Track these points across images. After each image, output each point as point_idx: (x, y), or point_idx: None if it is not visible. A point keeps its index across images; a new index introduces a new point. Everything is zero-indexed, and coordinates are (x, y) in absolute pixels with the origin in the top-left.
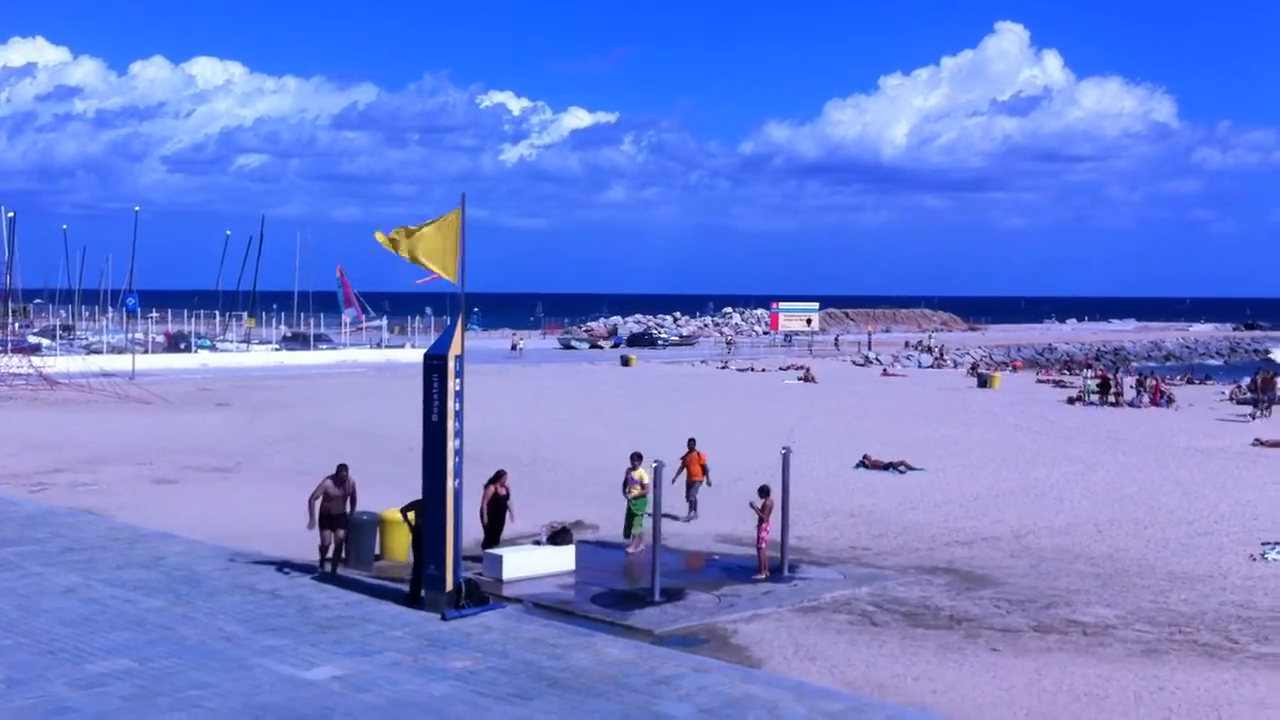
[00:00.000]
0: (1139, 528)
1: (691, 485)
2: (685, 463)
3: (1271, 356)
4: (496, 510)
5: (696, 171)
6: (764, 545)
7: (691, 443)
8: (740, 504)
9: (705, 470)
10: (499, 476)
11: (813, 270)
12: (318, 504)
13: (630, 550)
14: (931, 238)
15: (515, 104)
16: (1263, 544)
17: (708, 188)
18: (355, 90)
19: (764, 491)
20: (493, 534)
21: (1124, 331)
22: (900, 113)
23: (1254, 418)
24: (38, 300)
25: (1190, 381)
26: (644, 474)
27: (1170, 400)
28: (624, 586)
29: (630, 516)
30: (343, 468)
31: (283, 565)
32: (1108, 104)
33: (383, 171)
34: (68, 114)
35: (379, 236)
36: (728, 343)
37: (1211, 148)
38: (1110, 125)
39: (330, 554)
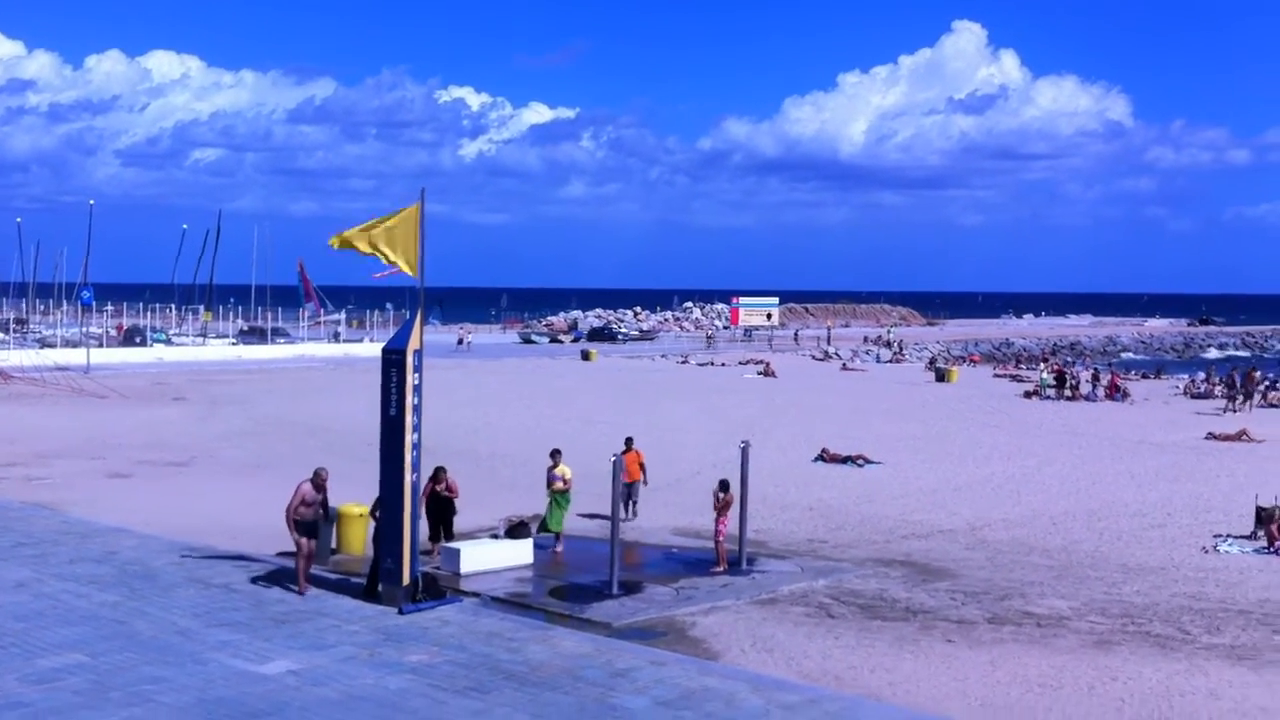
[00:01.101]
0: (1093, 520)
1: (630, 485)
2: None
3: (1207, 355)
4: (438, 508)
5: (656, 167)
6: (721, 538)
7: (629, 442)
8: (698, 497)
9: (643, 469)
10: (437, 474)
11: (772, 266)
12: (294, 513)
13: (556, 550)
14: (890, 234)
15: (474, 99)
16: (1214, 536)
17: (667, 184)
18: (313, 85)
19: (724, 486)
20: (435, 532)
21: (1080, 327)
22: (859, 110)
23: (1230, 410)
24: None
25: (1145, 376)
26: (566, 470)
27: (1125, 395)
28: (584, 580)
29: (550, 512)
30: (321, 471)
31: (237, 560)
32: (1063, 103)
33: (340, 166)
34: (20, 107)
35: (333, 241)
36: (708, 337)
37: (1165, 146)
38: (1065, 124)
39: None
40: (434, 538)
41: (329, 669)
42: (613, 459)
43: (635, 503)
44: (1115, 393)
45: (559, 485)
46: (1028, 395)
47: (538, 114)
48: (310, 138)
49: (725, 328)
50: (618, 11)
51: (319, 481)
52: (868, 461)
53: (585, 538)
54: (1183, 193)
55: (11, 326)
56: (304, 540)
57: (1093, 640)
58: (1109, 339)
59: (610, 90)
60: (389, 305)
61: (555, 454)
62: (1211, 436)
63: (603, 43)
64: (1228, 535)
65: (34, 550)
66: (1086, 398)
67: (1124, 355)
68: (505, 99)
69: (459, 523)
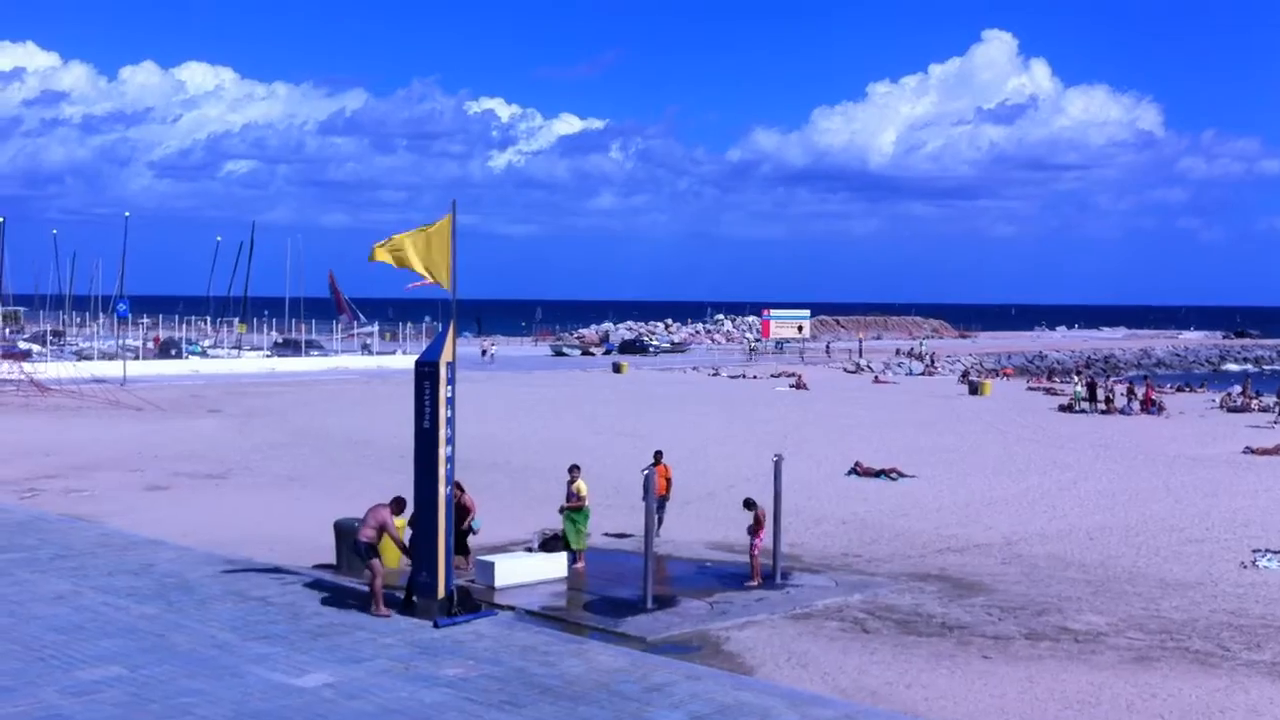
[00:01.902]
0: (1130, 535)
1: (659, 500)
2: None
3: (1226, 368)
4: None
5: (684, 178)
6: (757, 553)
7: (658, 455)
8: (731, 511)
9: (669, 484)
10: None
11: (803, 277)
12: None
13: (577, 565)
14: (920, 245)
15: (504, 110)
16: (1254, 551)
17: (696, 195)
18: (344, 97)
19: (749, 504)
20: (459, 545)
21: (1114, 339)
22: (888, 120)
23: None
24: (21, 307)
25: (1180, 389)
26: (581, 486)
27: (1160, 408)
28: (618, 594)
29: (572, 529)
30: (403, 500)
31: (274, 572)
32: (1094, 112)
33: (370, 178)
34: (55, 119)
35: (373, 255)
36: (750, 349)
37: (1197, 156)
38: (1096, 134)
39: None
40: (459, 550)
41: (365, 682)
42: (644, 472)
43: (662, 519)
44: (1151, 406)
45: (574, 502)
46: (1063, 409)
47: (567, 125)
48: (341, 149)
49: (757, 340)
50: (646, 22)
51: (400, 508)
52: (901, 475)
53: (619, 551)
54: (1215, 204)
55: (49, 339)
56: (378, 561)
57: (1131, 657)
58: (1143, 352)
59: (639, 101)
60: (427, 317)
61: (574, 469)
62: (1249, 451)
63: (631, 53)
64: (1267, 550)
65: (73, 562)
66: (1122, 411)
67: (1158, 370)
68: (535, 110)
69: (485, 537)
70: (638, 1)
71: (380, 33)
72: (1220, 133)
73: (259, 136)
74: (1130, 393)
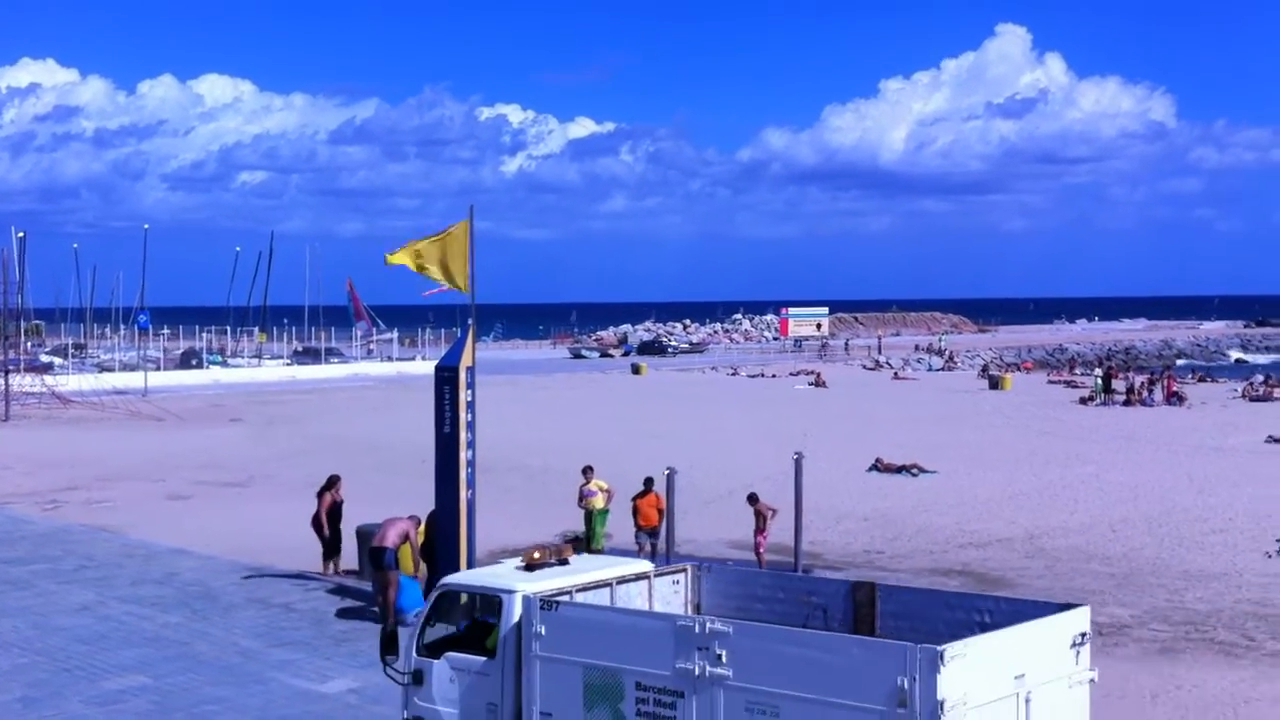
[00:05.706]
0: (1153, 527)
1: (650, 531)
2: (637, 505)
3: (1232, 355)
4: (335, 519)
5: (696, 180)
6: (762, 550)
7: (649, 482)
8: (751, 510)
9: (661, 515)
10: (333, 483)
11: (818, 275)
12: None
13: None
14: (935, 241)
15: (516, 116)
16: (1278, 540)
17: (708, 196)
18: (358, 106)
19: (752, 499)
20: (334, 546)
21: (1134, 330)
22: (901, 117)
23: None
24: (39, 320)
25: (1203, 379)
26: (600, 484)
27: (1182, 399)
28: None
29: (591, 530)
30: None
31: (296, 579)
32: (1106, 104)
33: (384, 185)
34: (68, 134)
35: (390, 258)
36: (823, 345)
37: (1209, 146)
38: (1108, 126)
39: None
40: (328, 556)
41: (388, 687)
42: (666, 472)
43: (655, 548)
44: (1172, 397)
45: (599, 501)
46: (1083, 401)
47: (581, 128)
48: (353, 157)
49: (775, 338)
50: (654, 24)
51: (417, 522)
52: (922, 471)
53: (633, 552)
54: (1230, 193)
55: (70, 352)
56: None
57: (1156, 648)
58: (1164, 343)
59: (648, 104)
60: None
61: (588, 470)
62: (1272, 440)
63: (640, 56)
64: None
65: (97, 573)
66: (1144, 402)
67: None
68: (548, 115)
69: (508, 540)
70: (645, 3)
71: (392, 42)
72: (1231, 123)
73: (271, 147)
74: (1152, 383)
